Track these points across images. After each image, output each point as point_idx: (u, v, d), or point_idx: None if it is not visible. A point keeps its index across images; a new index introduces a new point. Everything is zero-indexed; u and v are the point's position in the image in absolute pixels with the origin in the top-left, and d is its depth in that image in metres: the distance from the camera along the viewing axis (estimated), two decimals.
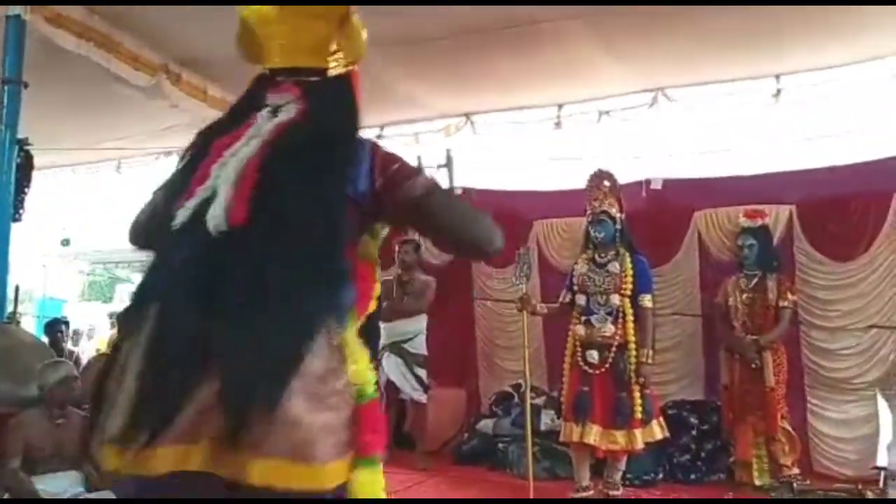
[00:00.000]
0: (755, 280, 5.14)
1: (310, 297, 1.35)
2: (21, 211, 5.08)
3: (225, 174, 1.46)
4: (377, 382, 1.49)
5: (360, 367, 1.45)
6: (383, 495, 1.43)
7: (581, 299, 4.61)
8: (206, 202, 1.44)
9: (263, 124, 1.56)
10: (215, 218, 1.40)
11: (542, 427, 5.45)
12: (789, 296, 5.07)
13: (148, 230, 1.66)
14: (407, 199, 1.58)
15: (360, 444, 1.38)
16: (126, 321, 1.48)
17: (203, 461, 1.26)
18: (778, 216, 5.59)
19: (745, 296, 5.13)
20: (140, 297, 1.48)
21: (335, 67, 1.71)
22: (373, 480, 1.40)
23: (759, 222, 5.27)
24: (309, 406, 1.29)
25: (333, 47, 1.70)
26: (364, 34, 1.76)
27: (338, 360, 1.38)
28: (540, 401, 5.79)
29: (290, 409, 1.26)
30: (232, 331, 1.28)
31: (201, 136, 1.69)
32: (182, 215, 1.45)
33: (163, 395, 1.26)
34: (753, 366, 4.97)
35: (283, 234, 1.39)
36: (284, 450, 1.26)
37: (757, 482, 4.93)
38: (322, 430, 1.31)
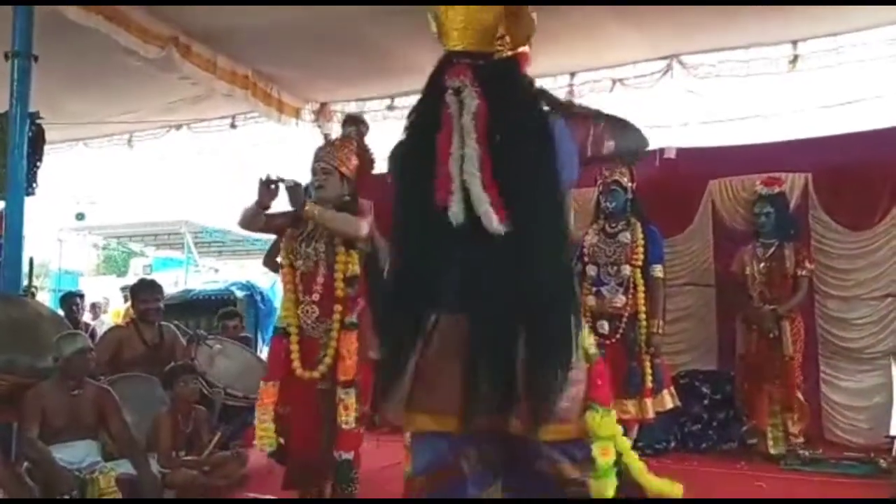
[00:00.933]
0: (772, 249, 5.07)
1: (568, 300, 1.87)
2: (34, 185, 5.11)
3: (469, 179, 1.81)
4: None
5: (584, 334, 1.95)
6: (616, 431, 1.91)
7: (592, 270, 4.59)
8: (464, 204, 1.81)
9: (460, 116, 1.87)
10: (489, 222, 1.78)
11: None
12: (807, 264, 5.01)
13: (408, 218, 1.99)
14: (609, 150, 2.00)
15: (591, 396, 1.91)
16: (413, 312, 1.93)
17: (513, 427, 1.84)
18: (794, 184, 5.53)
19: (761, 265, 5.07)
20: (425, 291, 1.90)
21: (500, 51, 1.97)
22: (604, 422, 1.90)
23: (777, 189, 5.19)
24: (570, 385, 1.86)
25: (500, 32, 1.96)
26: (532, 16, 2.00)
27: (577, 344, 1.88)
28: None
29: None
30: (530, 336, 1.81)
31: (417, 125, 2.01)
32: (453, 215, 1.81)
33: (492, 385, 1.81)
34: (772, 336, 4.94)
35: (538, 240, 1.81)
36: (557, 417, 1.83)
37: (772, 451, 4.92)
38: (574, 399, 1.88)
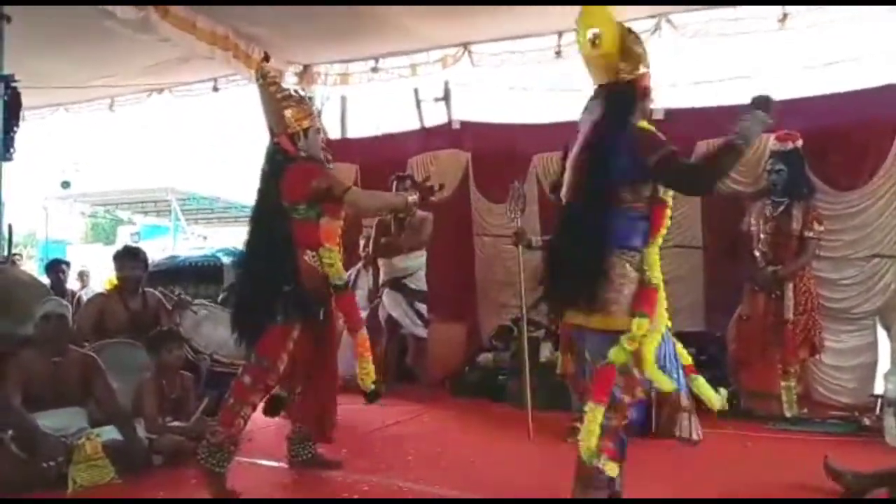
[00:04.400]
0: (781, 208, 5.01)
1: (604, 237, 2.66)
2: (11, 150, 5.01)
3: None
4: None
5: (655, 269, 2.71)
6: (651, 336, 2.62)
7: None
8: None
9: (585, 123, 2.79)
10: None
11: (542, 359, 5.49)
12: (815, 226, 4.94)
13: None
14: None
15: (636, 308, 2.64)
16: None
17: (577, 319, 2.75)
18: None
19: (768, 224, 5.02)
20: None
21: (623, 78, 2.71)
22: (642, 324, 2.59)
23: (791, 146, 5.05)
24: (610, 291, 2.64)
25: (620, 66, 2.71)
26: (640, 50, 2.76)
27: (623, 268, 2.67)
28: (539, 334, 5.82)
29: (602, 294, 2.64)
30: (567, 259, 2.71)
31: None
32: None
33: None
34: (773, 296, 4.92)
35: (586, 205, 2.70)
36: (602, 310, 2.64)
37: (787, 413, 4.91)
38: (615, 301, 2.64)
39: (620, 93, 2.71)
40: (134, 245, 6.50)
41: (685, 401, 3.87)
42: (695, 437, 3.83)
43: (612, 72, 2.70)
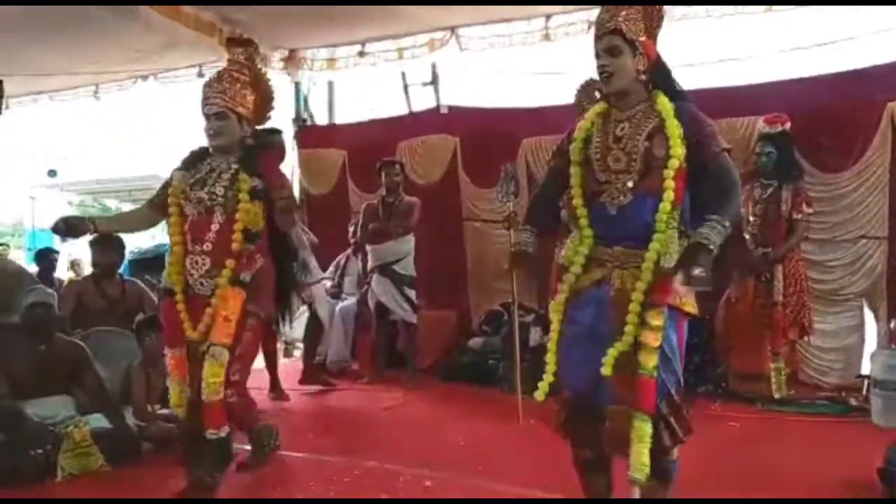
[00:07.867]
0: (770, 190, 5.00)
1: None
2: None
3: None
4: None
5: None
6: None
7: (565, 216, 4.54)
8: None
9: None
10: None
11: (531, 343, 5.49)
12: (804, 208, 4.94)
13: None
14: None
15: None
16: None
17: None
18: None
19: (757, 207, 5.01)
20: None
21: None
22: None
23: (780, 128, 5.03)
24: None
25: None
26: None
27: None
28: (529, 318, 5.82)
29: None
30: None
31: None
32: None
33: None
34: (763, 278, 4.95)
35: None
36: None
37: (776, 395, 4.91)
38: None
39: None
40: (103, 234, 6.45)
41: None
42: None
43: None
